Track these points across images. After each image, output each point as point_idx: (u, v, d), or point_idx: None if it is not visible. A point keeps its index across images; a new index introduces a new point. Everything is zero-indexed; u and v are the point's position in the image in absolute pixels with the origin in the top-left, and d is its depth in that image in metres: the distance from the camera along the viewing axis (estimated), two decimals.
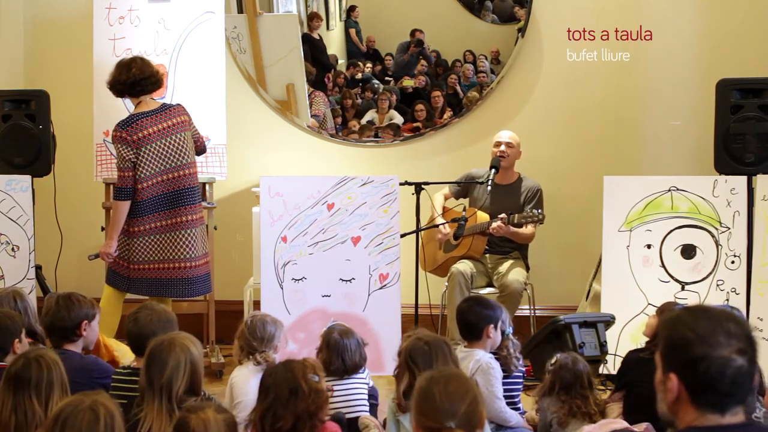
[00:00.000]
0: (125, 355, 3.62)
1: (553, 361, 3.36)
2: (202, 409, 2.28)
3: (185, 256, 4.38)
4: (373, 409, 3.39)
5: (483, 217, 4.83)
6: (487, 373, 3.32)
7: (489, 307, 3.45)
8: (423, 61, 5.60)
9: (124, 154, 4.27)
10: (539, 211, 4.66)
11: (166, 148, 4.34)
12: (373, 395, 3.44)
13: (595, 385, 3.38)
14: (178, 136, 4.39)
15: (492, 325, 3.40)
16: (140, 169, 4.28)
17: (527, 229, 4.76)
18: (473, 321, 3.42)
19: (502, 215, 4.69)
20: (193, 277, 4.42)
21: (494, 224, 4.68)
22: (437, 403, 2.08)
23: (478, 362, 3.33)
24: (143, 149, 4.28)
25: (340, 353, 3.32)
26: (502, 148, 4.84)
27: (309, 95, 5.51)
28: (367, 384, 3.40)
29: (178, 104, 4.52)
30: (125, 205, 4.29)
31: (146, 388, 2.63)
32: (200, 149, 4.63)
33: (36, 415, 2.46)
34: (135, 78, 4.33)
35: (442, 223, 4.84)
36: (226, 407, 2.37)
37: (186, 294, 4.44)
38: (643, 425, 2.94)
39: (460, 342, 3.52)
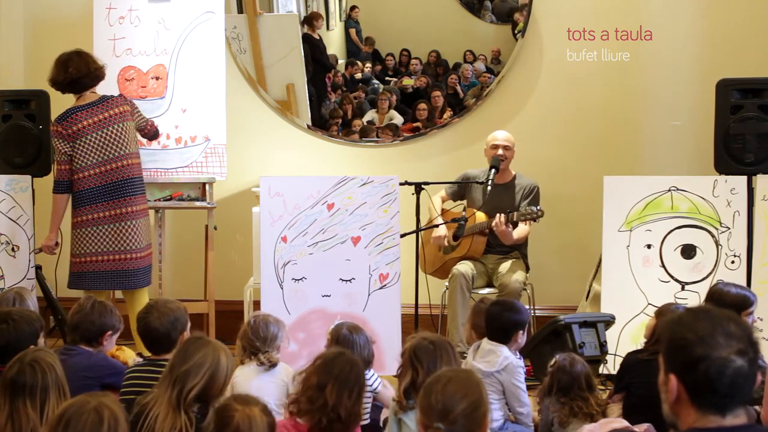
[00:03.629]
0: (129, 358, 3.63)
1: (552, 362, 3.37)
2: (248, 405, 2.24)
3: (129, 247, 4.39)
4: (377, 411, 3.38)
5: (482, 217, 4.82)
6: (514, 371, 3.40)
7: (518, 312, 3.53)
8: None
9: (60, 148, 4.36)
10: (537, 207, 4.66)
11: (102, 140, 4.36)
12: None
13: (596, 386, 3.38)
14: (116, 126, 4.40)
15: (521, 330, 3.50)
16: (77, 160, 4.35)
17: (521, 229, 4.76)
18: (505, 327, 3.48)
19: (502, 216, 4.68)
20: (136, 269, 4.42)
21: (495, 220, 4.67)
22: (432, 402, 2.10)
23: (506, 359, 3.41)
24: (78, 141, 4.34)
25: (349, 349, 3.31)
26: (500, 152, 4.83)
27: None
28: (371, 387, 3.39)
29: (120, 95, 4.56)
30: (62, 198, 4.41)
31: (167, 374, 2.59)
32: (150, 134, 4.65)
33: (30, 421, 2.45)
34: (72, 77, 4.39)
35: (442, 223, 4.83)
36: (270, 411, 2.32)
37: (129, 286, 4.44)
38: (644, 426, 2.94)
39: (461, 344, 3.53)
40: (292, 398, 2.70)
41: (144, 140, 4.73)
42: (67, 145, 4.35)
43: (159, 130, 4.71)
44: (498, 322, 3.48)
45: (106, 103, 4.43)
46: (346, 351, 2.81)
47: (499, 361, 3.39)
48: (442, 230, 4.86)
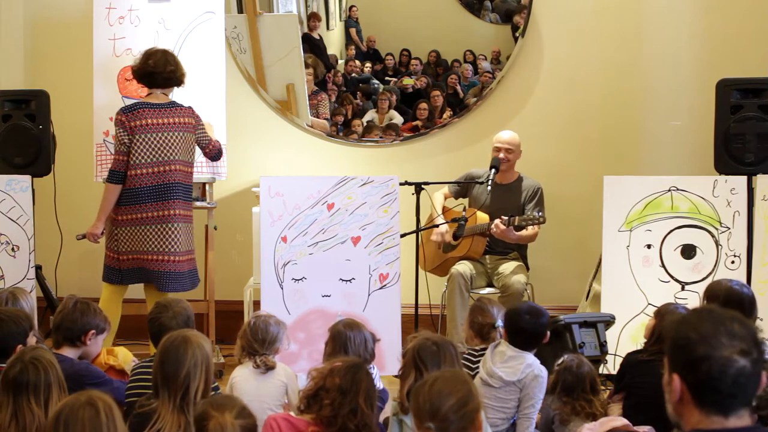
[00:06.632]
0: (126, 359, 3.61)
1: (559, 361, 3.36)
2: (222, 411, 2.25)
3: (167, 249, 4.37)
4: (377, 413, 3.36)
5: (483, 217, 4.82)
6: (536, 382, 3.27)
7: (545, 316, 3.41)
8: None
9: (120, 138, 4.35)
10: (540, 213, 4.65)
11: (159, 142, 4.36)
12: (381, 398, 3.40)
13: (600, 389, 3.36)
14: (175, 134, 4.40)
15: (548, 333, 3.43)
16: (132, 156, 4.34)
17: (527, 231, 4.76)
18: (539, 332, 3.36)
19: (504, 218, 4.67)
20: (176, 272, 4.40)
21: (493, 224, 4.67)
22: (420, 403, 2.12)
23: (530, 366, 3.28)
24: (137, 137, 4.33)
25: (343, 345, 3.29)
26: (502, 155, 4.82)
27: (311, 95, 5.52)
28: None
29: (189, 107, 4.52)
30: (115, 189, 4.35)
31: (160, 386, 2.59)
32: (212, 154, 4.62)
33: (36, 418, 2.47)
34: (147, 70, 4.41)
35: (442, 223, 4.84)
36: (250, 411, 2.34)
37: (171, 288, 4.41)
38: (645, 428, 2.94)
39: (460, 344, 3.51)
40: (308, 395, 2.70)
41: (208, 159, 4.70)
42: (127, 137, 4.33)
43: (222, 150, 4.68)
44: (530, 330, 3.33)
45: (174, 110, 4.43)
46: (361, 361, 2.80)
47: (522, 369, 3.26)
48: (442, 228, 4.85)
